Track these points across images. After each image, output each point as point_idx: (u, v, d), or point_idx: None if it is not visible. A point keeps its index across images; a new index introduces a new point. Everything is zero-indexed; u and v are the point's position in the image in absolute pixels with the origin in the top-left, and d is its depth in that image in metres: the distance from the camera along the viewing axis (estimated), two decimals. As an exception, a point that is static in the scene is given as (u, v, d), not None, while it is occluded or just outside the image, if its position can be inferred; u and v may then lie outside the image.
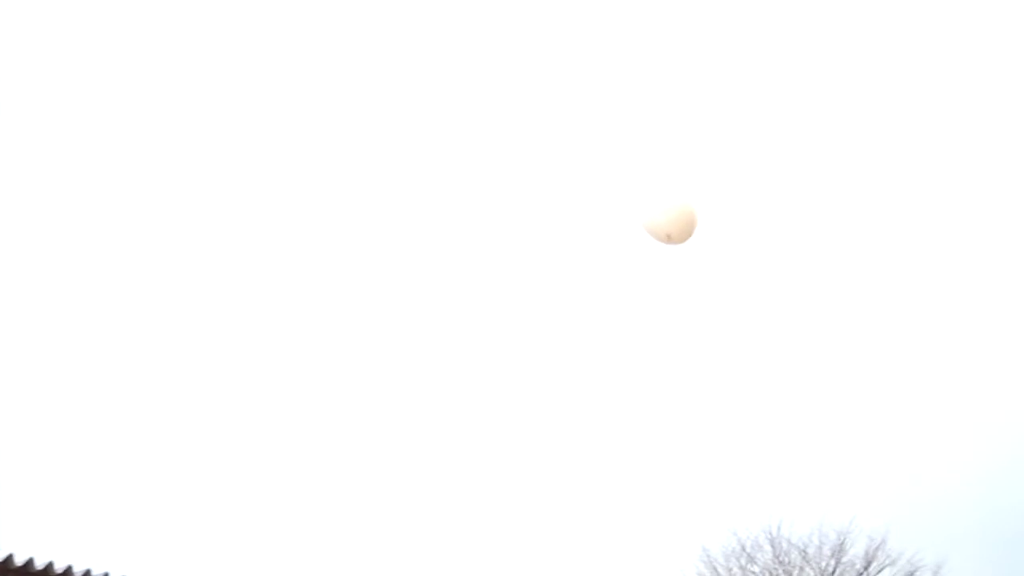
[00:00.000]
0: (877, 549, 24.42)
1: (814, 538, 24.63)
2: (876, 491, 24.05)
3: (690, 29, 21.03)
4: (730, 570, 24.65)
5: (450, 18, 21.84)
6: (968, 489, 23.64)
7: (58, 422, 21.13)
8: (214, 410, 22.77)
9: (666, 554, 23.35)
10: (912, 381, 24.71)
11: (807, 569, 24.58)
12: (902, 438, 24.67)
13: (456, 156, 23.27)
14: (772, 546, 24.69)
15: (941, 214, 24.31)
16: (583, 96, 21.38)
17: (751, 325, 24.42)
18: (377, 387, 23.96)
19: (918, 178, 23.95)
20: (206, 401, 22.76)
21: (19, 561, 9.17)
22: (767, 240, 22.82)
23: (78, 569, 9.72)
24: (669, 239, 8.24)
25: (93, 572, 9.89)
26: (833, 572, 24.52)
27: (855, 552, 24.56)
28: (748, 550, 24.69)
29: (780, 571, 24.59)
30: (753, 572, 24.70)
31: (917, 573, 24.19)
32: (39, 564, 9.30)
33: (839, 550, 24.60)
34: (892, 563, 24.38)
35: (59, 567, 9.49)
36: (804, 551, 24.64)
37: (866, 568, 24.45)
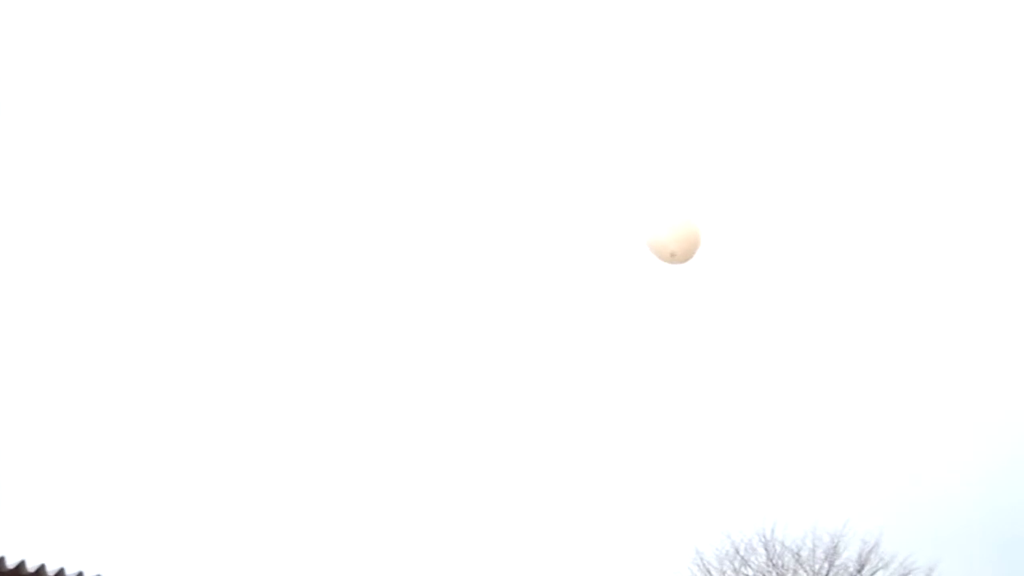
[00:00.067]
0: (870, 552, 24.45)
1: (807, 541, 24.69)
2: (869, 494, 24.10)
3: (696, 52, 21.00)
4: (723, 572, 24.67)
5: (457, 29, 21.79)
6: (961, 492, 23.67)
7: (50, 423, 21.11)
8: (208, 410, 22.76)
9: (660, 556, 23.39)
10: (905, 384, 24.74)
11: (800, 572, 24.60)
12: (896, 441, 24.71)
13: (465, 174, 23.29)
14: (766, 548, 24.72)
15: (938, 214, 24.29)
16: (590, 115, 21.38)
17: (746, 328, 24.43)
18: (377, 388, 24.01)
19: (917, 178, 23.92)
20: (200, 401, 22.76)
21: (11, 564, 9.12)
22: (766, 242, 22.79)
23: (70, 571, 9.69)
24: (673, 257, 8.21)
25: (85, 574, 9.85)
26: (826, 575, 24.56)
27: (848, 555, 24.63)
28: (742, 552, 24.73)
29: (773, 574, 24.61)
30: (746, 575, 24.75)
31: (910, 575, 24.27)
32: (31, 567, 9.26)
33: (832, 553, 24.64)
34: (885, 566, 24.41)
35: (51, 570, 9.45)
36: (797, 554, 24.67)
37: (859, 571, 24.47)
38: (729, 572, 24.68)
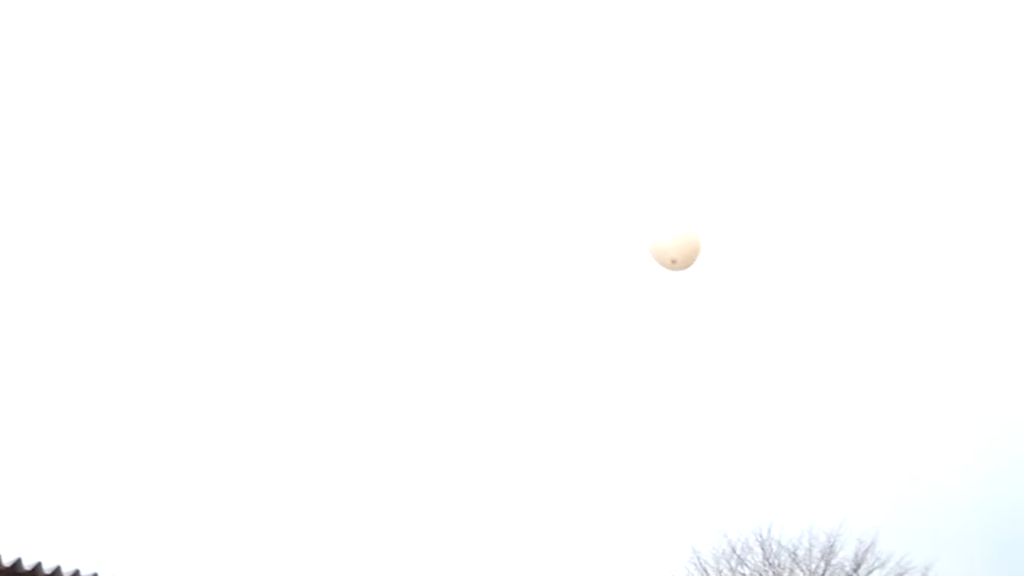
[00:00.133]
0: (867, 551, 24.48)
1: (804, 540, 24.71)
2: (866, 493, 24.13)
3: (699, 58, 20.96)
4: (720, 572, 24.70)
5: (458, 31, 21.74)
6: (959, 491, 23.69)
7: (47, 423, 21.09)
8: (208, 410, 22.75)
9: (656, 555, 23.42)
10: (901, 383, 24.74)
11: (797, 571, 24.64)
12: (893, 441, 24.72)
13: (467, 178, 23.28)
14: (762, 548, 24.74)
15: (937, 214, 24.27)
16: (592, 121, 21.33)
17: (743, 328, 24.42)
18: (377, 388, 24.01)
19: (916, 179, 23.89)
20: (200, 401, 22.74)
21: (7, 562, 9.11)
22: (765, 244, 22.78)
23: (67, 569, 9.66)
24: (674, 264, 8.21)
25: (82, 573, 9.84)
26: (823, 574, 24.58)
27: (844, 554, 24.65)
28: (738, 552, 24.75)
29: (770, 573, 24.64)
30: (743, 574, 24.76)
31: (906, 575, 24.28)
32: (27, 565, 9.24)
33: (829, 552, 24.66)
34: (881, 565, 24.44)
35: (48, 567, 9.43)
36: (794, 553, 24.70)
37: (855, 570, 24.51)
38: (725, 571, 24.71)
